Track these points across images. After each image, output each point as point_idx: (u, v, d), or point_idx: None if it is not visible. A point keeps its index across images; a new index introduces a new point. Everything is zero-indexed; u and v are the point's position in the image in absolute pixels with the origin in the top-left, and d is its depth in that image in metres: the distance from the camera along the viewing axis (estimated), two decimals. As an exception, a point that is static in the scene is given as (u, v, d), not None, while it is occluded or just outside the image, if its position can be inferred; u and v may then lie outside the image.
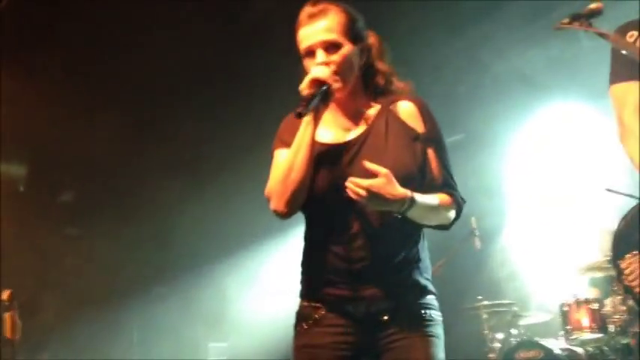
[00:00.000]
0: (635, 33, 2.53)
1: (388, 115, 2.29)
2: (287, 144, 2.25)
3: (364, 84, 2.32)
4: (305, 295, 2.33)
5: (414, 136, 2.28)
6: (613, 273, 5.64)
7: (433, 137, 2.32)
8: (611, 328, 5.70)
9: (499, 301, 6.51)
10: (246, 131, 6.88)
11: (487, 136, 7.66)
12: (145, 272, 7.63)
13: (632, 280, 2.52)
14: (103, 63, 6.27)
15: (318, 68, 2.14)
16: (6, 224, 6.26)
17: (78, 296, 7.18)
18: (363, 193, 2.03)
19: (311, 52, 2.20)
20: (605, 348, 5.93)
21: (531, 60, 7.03)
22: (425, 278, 2.32)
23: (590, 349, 5.97)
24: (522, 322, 6.39)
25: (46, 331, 6.88)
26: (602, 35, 2.48)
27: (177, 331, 7.69)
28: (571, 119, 7.46)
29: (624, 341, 5.77)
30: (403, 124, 2.29)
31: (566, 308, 5.89)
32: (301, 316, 2.30)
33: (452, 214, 2.37)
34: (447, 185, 2.33)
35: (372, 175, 2.07)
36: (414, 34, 6.60)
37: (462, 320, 6.95)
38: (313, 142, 2.18)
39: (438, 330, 2.31)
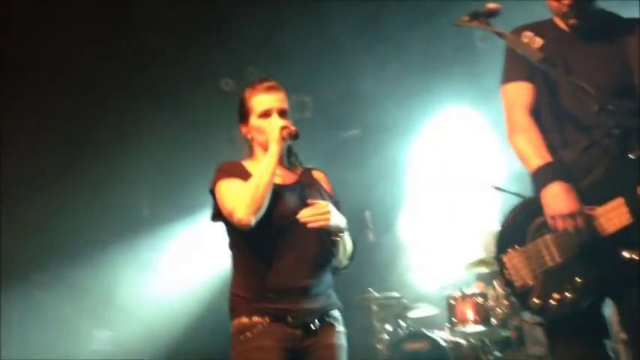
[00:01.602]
0: (530, 34, 2.60)
1: (309, 175, 3.04)
2: (232, 176, 2.83)
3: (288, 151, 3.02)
4: (244, 312, 2.76)
5: (326, 193, 3.03)
6: (497, 269, 5.88)
7: (336, 198, 3.05)
8: (494, 321, 5.91)
9: (389, 294, 6.63)
10: (131, 112, 6.82)
11: (384, 133, 7.77)
12: (24, 259, 7.30)
13: (513, 275, 2.60)
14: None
15: (284, 122, 2.84)
16: None
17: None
18: (326, 215, 2.72)
19: (267, 114, 2.86)
20: (487, 340, 6.16)
21: (428, 58, 7.19)
22: (336, 298, 2.95)
23: (473, 340, 6.18)
24: (411, 314, 6.54)
25: None
26: (499, 34, 2.54)
27: (60, 319, 7.40)
28: (464, 120, 7.71)
29: (505, 334, 6.02)
30: (320, 184, 3.05)
31: (452, 302, 6.07)
32: (244, 329, 2.73)
33: (352, 248, 3.07)
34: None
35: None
36: (315, 31, 6.69)
37: (352, 311, 7.01)
38: (276, 167, 2.78)
39: (345, 340, 2.90)
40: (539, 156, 2.58)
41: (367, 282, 6.79)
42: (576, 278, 2.46)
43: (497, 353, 6.07)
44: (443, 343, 5.92)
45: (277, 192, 2.80)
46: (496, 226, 6.29)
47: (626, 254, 2.37)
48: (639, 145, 2.14)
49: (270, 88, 2.91)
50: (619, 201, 2.41)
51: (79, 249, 7.17)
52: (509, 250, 2.63)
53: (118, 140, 7.06)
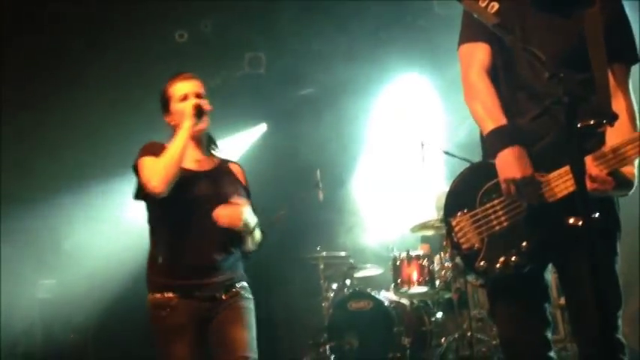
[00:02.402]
0: None
1: (226, 166, 3.35)
2: (152, 154, 3.09)
3: (206, 141, 3.33)
4: (158, 288, 3.09)
5: (241, 186, 3.35)
6: (443, 232, 5.97)
7: (249, 192, 3.39)
8: (438, 283, 6.03)
9: (336, 253, 6.70)
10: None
11: (338, 93, 7.76)
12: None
13: (461, 238, 2.64)
14: None
15: (199, 101, 3.18)
16: None
17: None
18: (237, 219, 3.07)
19: (185, 97, 3.19)
20: (430, 301, 6.29)
21: (387, 22, 7.18)
22: (243, 270, 3.33)
23: (416, 301, 6.31)
24: (357, 274, 6.63)
25: None
26: (456, -2, 2.52)
27: (4, 265, 7.29)
28: (419, 85, 7.78)
29: (447, 296, 6.15)
30: (235, 176, 3.36)
31: (398, 263, 6.16)
32: (159, 306, 3.06)
33: (260, 239, 3.37)
34: (257, 225, 3.29)
35: (224, 192, 3.16)
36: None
37: (299, 269, 7.10)
38: (188, 140, 3.09)
39: (252, 305, 3.25)
40: (493, 119, 2.59)
41: (315, 240, 6.85)
42: (522, 242, 2.52)
43: (439, 315, 6.22)
44: (386, 303, 6.02)
45: (193, 176, 3.15)
46: (445, 189, 6.41)
47: (570, 220, 2.43)
48: (588, 115, 2.16)
49: (186, 78, 3.26)
50: (566, 169, 2.45)
51: (27, 195, 7.03)
52: (458, 213, 2.66)
53: (70, 85, 6.91)
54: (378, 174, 7.87)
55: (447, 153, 6.13)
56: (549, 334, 2.64)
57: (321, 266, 6.55)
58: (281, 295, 7.65)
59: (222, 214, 3.05)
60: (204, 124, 3.20)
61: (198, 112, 3.13)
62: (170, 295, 3.06)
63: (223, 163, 3.36)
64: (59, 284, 7.55)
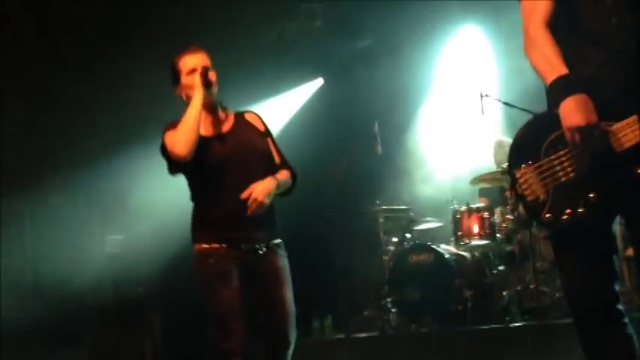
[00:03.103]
0: None
1: (241, 121, 3.53)
2: (172, 128, 3.35)
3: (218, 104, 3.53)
4: (204, 239, 3.34)
5: (260, 132, 3.54)
6: (504, 184, 5.91)
7: (270, 133, 3.57)
8: (499, 235, 5.99)
9: (396, 206, 6.69)
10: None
11: (396, 45, 7.66)
12: (37, 162, 7.35)
13: (525, 189, 2.60)
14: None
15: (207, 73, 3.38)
16: None
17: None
18: (262, 197, 3.26)
19: (194, 70, 3.38)
20: (491, 254, 6.25)
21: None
22: (279, 229, 3.50)
23: (477, 254, 6.28)
24: (417, 227, 6.62)
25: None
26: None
27: (72, 222, 7.53)
28: (480, 37, 7.63)
29: (508, 248, 6.11)
30: (252, 125, 3.55)
31: (458, 215, 6.13)
32: (206, 254, 3.31)
33: (290, 182, 3.53)
34: (284, 163, 3.54)
35: (248, 147, 3.41)
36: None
37: (359, 223, 7.13)
38: (201, 108, 3.32)
39: (287, 261, 3.47)
40: (555, 69, 2.54)
41: (375, 194, 6.85)
42: (589, 193, 2.47)
43: (500, 267, 6.18)
44: (447, 256, 6.01)
45: (215, 140, 3.41)
46: (506, 140, 6.32)
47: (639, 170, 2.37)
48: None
49: (193, 51, 3.47)
50: (634, 118, 2.38)
51: (92, 153, 7.22)
52: (522, 165, 2.62)
53: (130, 45, 6.99)
54: (437, 126, 7.79)
55: (506, 104, 6.03)
56: (617, 287, 2.60)
57: (381, 220, 6.55)
58: (341, 249, 7.72)
59: (252, 202, 3.28)
60: (212, 95, 3.42)
61: (207, 83, 3.34)
62: (216, 245, 3.32)
63: (239, 118, 3.56)
64: (126, 239, 7.78)
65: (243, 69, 7.12)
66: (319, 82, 8.76)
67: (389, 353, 5.67)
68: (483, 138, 6.97)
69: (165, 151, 3.39)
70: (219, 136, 3.43)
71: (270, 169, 3.42)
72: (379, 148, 6.59)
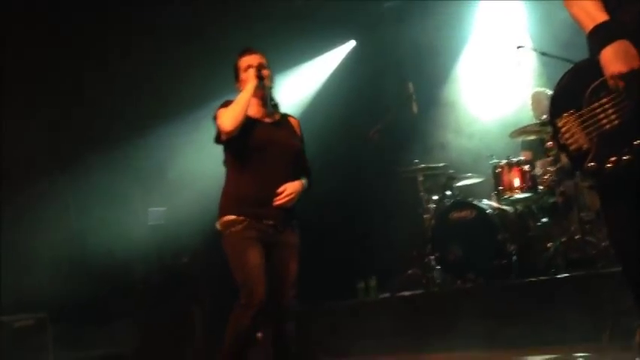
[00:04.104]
0: None
1: (286, 121, 4.08)
2: (227, 106, 3.84)
3: (270, 99, 4.05)
4: (233, 211, 3.76)
5: (297, 136, 4.07)
6: (544, 135, 5.84)
7: (303, 141, 4.10)
8: (541, 188, 5.93)
9: (434, 164, 6.66)
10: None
11: (426, 2, 7.55)
12: (77, 137, 7.45)
13: (568, 139, 2.57)
14: None
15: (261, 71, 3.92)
16: None
17: (5, 164, 7.01)
18: (295, 196, 3.81)
19: (250, 67, 3.92)
20: (534, 207, 6.20)
21: None
22: (294, 210, 3.93)
23: (520, 208, 6.23)
24: (457, 184, 6.58)
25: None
26: None
27: (114, 196, 7.65)
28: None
29: (551, 200, 6.05)
30: (293, 127, 4.08)
31: (498, 170, 6.08)
32: (233, 223, 3.75)
33: (307, 186, 3.99)
34: (308, 168, 4.05)
35: (288, 142, 3.93)
36: None
37: (398, 183, 7.12)
38: (252, 94, 3.84)
39: (298, 239, 3.94)
40: (595, 17, 2.52)
41: (413, 153, 6.83)
42: (634, 140, 2.43)
43: (544, 219, 6.13)
44: (489, 211, 5.97)
45: (259, 124, 3.90)
46: (544, 91, 6.22)
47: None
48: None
49: (249, 52, 4.03)
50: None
51: (129, 128, 7.30)
52: (564, 114, 2.59)
53: (166, 20, 7.01)
54: (473, 81, 7.70)
55: (543, 54, 5.92)
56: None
57: (420, 179, 6.53)
58: (381, 211, 7.72)
59: (284, 197, 3.79)
60: (264, 88, 3.93)
61: (260, 76, 3.87)
62: (242, 217, 3.76)
63: (284, 117, 4.09)
64: (169, 210, 7.89)
65: (276, 35, 7.11)
66: (351, 44, 8.70)
67: (435, 310, 5.69)
68: (521, 90, 6.87)
69: (215, 123, 3.88)
70: (265, 123, 3.95)
71: (297, 168, 3.95)
72: (415, 108, 6.54)
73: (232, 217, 3.76)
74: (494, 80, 7.49)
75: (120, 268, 8.08)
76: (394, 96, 6.99)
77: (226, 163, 3.96)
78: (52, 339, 8.08)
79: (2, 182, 6.93)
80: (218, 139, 3.90)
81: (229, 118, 3.76)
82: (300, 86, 8.71)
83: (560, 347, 4.49)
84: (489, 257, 5.82)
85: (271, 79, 4.04)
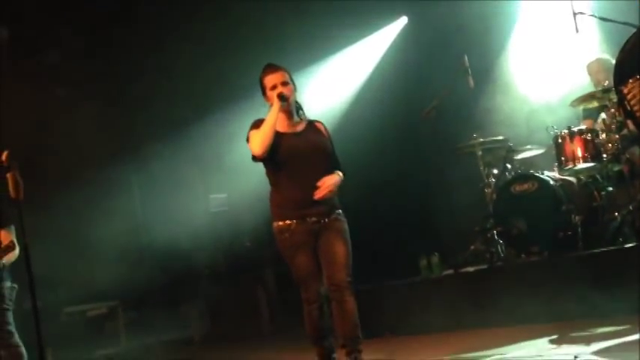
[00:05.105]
0: None
1: (312, 126, 4.42)
2: (256, 127, 4.22)
3: (295, 109, 4.41)
4: (280, 217, 4.20)
5: (325, 138, 4.41)
6: (607, 103, 5.69)
7: (331, 140, 4.44)
8: (605, 156, 5.79)
9: (493, 138, 6.58)
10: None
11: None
12: (140, 129, 7.61)
13: (634, 105, 2.52)
14: None
15: (284, 90, 4.26)
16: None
17: (72, 156, 7.21)
18: (332, 187, 4.15)
19: (274, 86, 4.26)
20: (598, 176, 6.07)
21: None
22: (337, 202, 4.34)
23: (584, 177, 6.11)
24: (517, 156, 6.48)
25: (46, 191, 6.96)
26: None
27: (176, 184, 7.80)
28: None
29: (616, 168, 5.90)
30: (320, 131, 4.42)
31: (560, 140, 5.95)
32: (281, 231, 4.19)
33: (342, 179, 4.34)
34: (338, 164, 4.37)
35: (316, 145, 4.28)
36: None
37: (457, 159, 7.06)
38: (276, 118, 4.18)
39: (347, 226, 4.30)
40: None
41: (471, 128, 6.75)
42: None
43: (609, 188, 6.00)
44: (552, 182, 5.87)
45: (288, 137, 4.26)
46: (605, 58, 6.05)
47: None
48: None
49: (273, 71, 4.34)
50: None
51: (186, 117, 7.42)
52: (629, 80, 2.54)
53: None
54: (530, 51, 7.54)
55: (603, 19, 5.76)
56: None
57: (479, 153, 6.46)
58: (441, 187, 7.69)
59: (323, 190, 4.14)
60: (289, 105, 4.28)
61: (282, 98, 4.21)
62: (288, 222, 4.17)
63: (310, 124, 4.44)
64: (230, 197, 8.01)
65: (327, 15, 7.11)
66: (403, 20, 8.63)
67: (499, 285, 5.65)
68: (580, 58, 6.71)
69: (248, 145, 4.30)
70: (293, 134, 4.32)
71: (330, 166, 4.29)
72: (471, 82, 6.46)
73: (280, 223, 4.20)
74: (552, 49, 7.31)
75: (185, 254, 8.27)
76: (450, 71, 6.91)
77: (267, 174, 4.34)
78: (123, 325, 8.36)
79: (70, 174, 7.14)
80: (253, 159, 4.27)
81: (257, 145, 4.16)
82: (354, 66, 8.69)
83: (631, 318, 4.41)
84: (554, 229, 5.74)
85: (294, 88, 4.39)
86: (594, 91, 5.80)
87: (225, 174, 7.93)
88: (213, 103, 7.37)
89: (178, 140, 7.42)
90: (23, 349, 5.23)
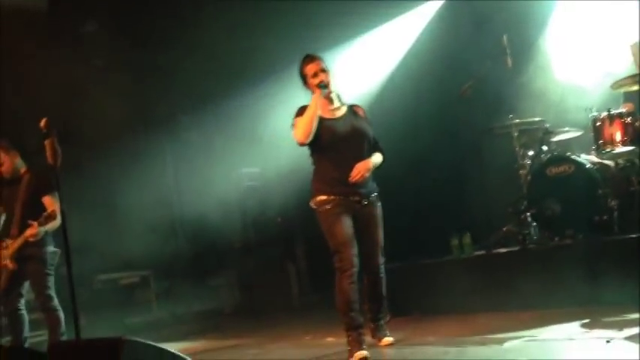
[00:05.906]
0: None
1: (352, 110, 4.81)
2: (300, 115, 4.61)
3: (336, 95, 4.77)
4: (324, 192, 4.55)
5: (365, 120, 4.80)
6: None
7: (371, 124, 4.81)
8: (644, 140, 5.68)
9: (530, 119, 6.48)
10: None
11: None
12: (171, 102, 7.66)
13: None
14: None
15: (323, 77, 4.64)
16: (29, 53, 6.23)
17: (108, 125, 7.28)
18: (365, 172, 4.55)
19: (315, 74, 4.64)
20: (637, 160, 5.96)
21: None
22: (374, 184, 4.77)
23: (622, 162, 6.01)
24: (554, 138, 6.38)
25: (81, 160, 7.06)
26: None
27: (209, 156, 7.84)
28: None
29: (656, 153, 5.79)
30: (359, 114, 4.81)
31: (598, 123, 5.85)
32: (324, 202, 4.55)
33: (381, 160, 4.77)
34: (378, 145, 4.81)
35: (356, 129, 4.67)
36: None
37: (492, 139, 6.99)
38: (317, 108, 4.57)
39: (381, 210, 4.76)
40: None
41: (507, 108, 6.67)
42: None
43: (648, 173, 5.89)
44: (588, 166, 5.79)
45: (331, 122, 4.64)
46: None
47: None
48: None
49: (312, 60, 4.71)
50: None
51: (224, 89, 7.43)
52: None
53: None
54: (571, 32, 7.40)
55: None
56: None
57: (515, 134, 6.37)
58: (476, 167, 7.61)
59: (356, 177, 4.52)
60: (328, 92, 4.65)
61: (323, 87, 4.58)
62: (332, 196, 4.53)
63: (350, 108, 4.82)
64: (262, 171, 8.03)
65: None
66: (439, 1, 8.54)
67: (531, 268, 5.59)
68: (622, 40, 6.56)
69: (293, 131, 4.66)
70: (334, 119, 4.67)
71: (369, 147, 4.68)
72: (509, 62, 6.37)
73: (324, 196, 4.55)
74: (592, 30, 7.17)
75: (216, 227, 8.33)
76: (487, 51, 6.82)
77: (311, 155, 4.70)
78: (155, 295, 8.48)
79: (104, 143, 7.21)
80: (298, 144, 4.64)
81: (300, 133, 4.55)
82: (391, 44, 8.62)
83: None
84: (589, 213, 5.66)
85: (332, 75, 4.71)
86: (635, 74, 5.69)
87: (258, 148, 7.95)
88: (248, 78, 7.37)
89: (213, 113, 7.44)
90: (61, 313, 5.38)
